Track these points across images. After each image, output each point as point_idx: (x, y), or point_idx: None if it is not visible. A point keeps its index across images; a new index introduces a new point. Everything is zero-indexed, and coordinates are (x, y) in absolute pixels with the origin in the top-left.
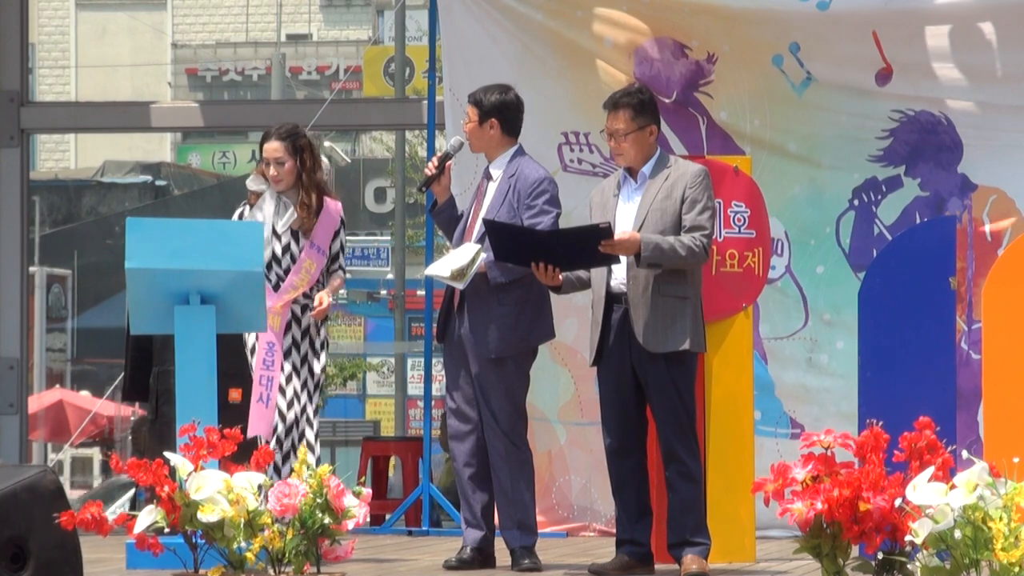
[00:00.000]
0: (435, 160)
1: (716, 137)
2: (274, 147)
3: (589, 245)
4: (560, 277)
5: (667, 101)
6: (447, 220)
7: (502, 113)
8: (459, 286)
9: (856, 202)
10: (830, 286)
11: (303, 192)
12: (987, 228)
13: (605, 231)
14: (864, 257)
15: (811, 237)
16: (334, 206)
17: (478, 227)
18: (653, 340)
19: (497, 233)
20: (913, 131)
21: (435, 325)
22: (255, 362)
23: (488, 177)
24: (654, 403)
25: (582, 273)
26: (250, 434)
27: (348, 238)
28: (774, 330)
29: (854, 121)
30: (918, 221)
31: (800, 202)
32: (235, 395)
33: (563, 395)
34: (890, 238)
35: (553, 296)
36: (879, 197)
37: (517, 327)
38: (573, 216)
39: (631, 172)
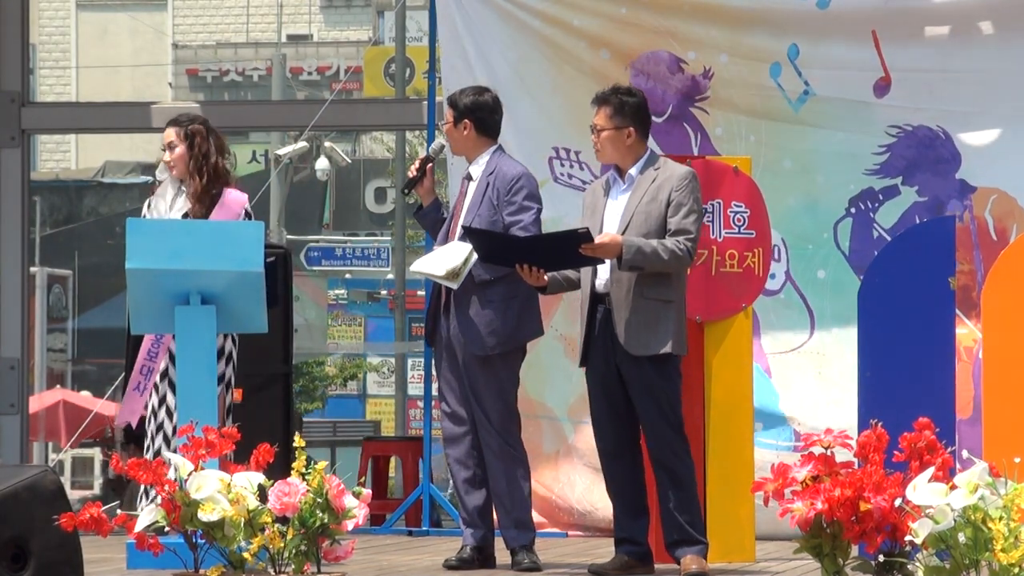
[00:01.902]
0: (416, 162)
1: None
2: (167, 132)
3: (570, 248)
4: (545, 278)
5: (659, 121)
6: (432, 222)
7: (474, 114)
8: (453, 286)
9: (853, 210)
10: (834, 293)
11: (190, 178)
12: (991, 226)
13: (584, 236)
14: (865, 259)
15: (809, 243)
16: (235, 197)
17: (459, 228)
18: (635, 343)
19: (477, 239)
20: (911, 146)
21: (422, 326)
22: (140, 352)
23: (468, 178)
24: (639, 407)
25: (571, 273)
26: (118, 422)
27: (349, 238)
28: (777, 344)
29: (851, 138)
30: (917, 222)
31: (796, 212)
32: (236, 395)
33: (573, 392)
34: (888, 239)
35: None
36: (876, 204)
37: (505, 324)
38: (561, 224)
39: (620, 173)
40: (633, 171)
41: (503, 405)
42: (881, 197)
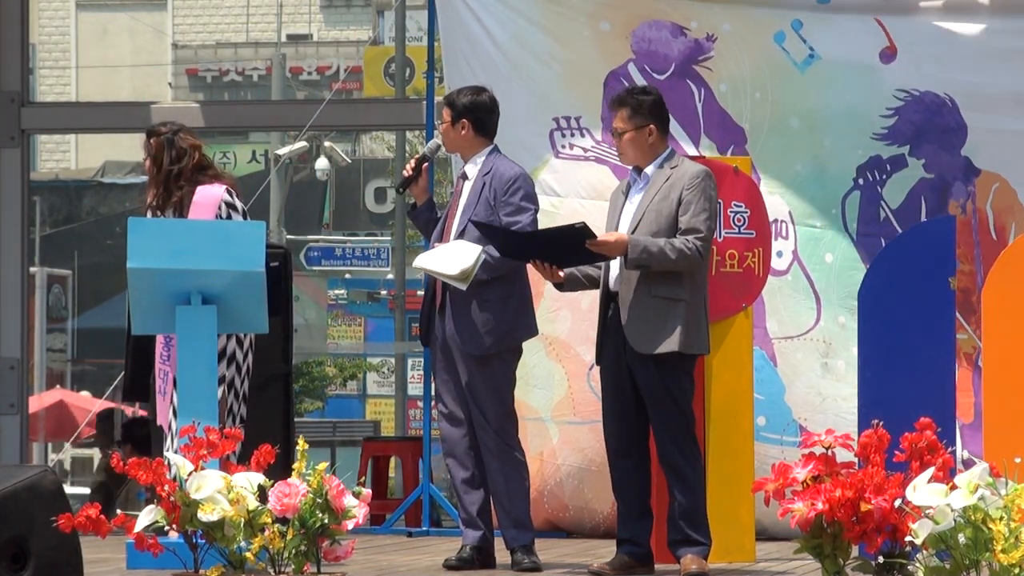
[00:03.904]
0: (412, 162)
1: (713, 114)
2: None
3: (575, 244)
4: (561, 274)
5: (661, 78)
6: (425, 222)
7: (473, 113)
8: (462, 287)
9: (861, 181)
10: (841, 279)
11: (151, 189)
12: (991, 221)
13: (582, 231)
14: (873, 246)
15: (816, 219)
16: (208, 193)
17: (456, 227)
18: (642, 341)
19: (488, 233)
20: (918, 111)
21: (415, 326)
22: (156, 355)
23: (464, 177)
24: (648, 406)
25: (591, 271)
26: (160, 423)
27: (349, 238)
28: (783, 328)
29: (858, 98)
30: (923, 205)
31: (803, 179)
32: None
33: (556, 393)
34: (896, 225)
35: (549, 289)
36: (884, 177)
37: (502, 324)
38: (566, 204)
39: (640, 172)
40: (649, 169)
41: (500, 405)
42: (889, 168)
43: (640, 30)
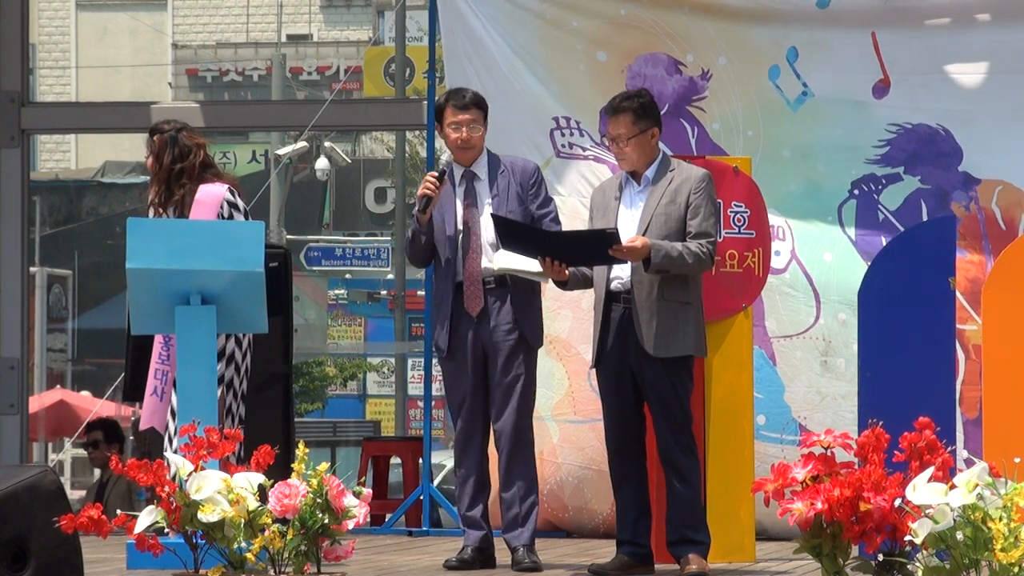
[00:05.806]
0: (430, 180)
1: (706, 148)
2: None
3: (597, 247)
4: (567, 272)
5: None
6: (431, 231)
7: (487, 112)
8: (544, 280)
9: (856, 192)
10: (840, 276)
11: (154, 187)
12: (999, 216)
13: (612, 236)
14: (872, 244)
15: (813, 224)
16: (210, 192)
17: (489, 226)
18: (658, 345)
19: (505, 227)
20: (911, 141)
21: (440, 336)
22: (152, 355)
23: (474, 177)
24: (652, 405)
25: (586, 270)
26: (143, 426)
27: (349, 238)
28: (782, 327)
29: (850, 134)
30: (923, 209)
31: (798, 196)
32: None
33: (557, 391)
34: (897, 223)
35: (549, 289)
36: (880, 187)
37: (541, 317)
38: (567, 204)
39: (634, 175)
40: (648, 173)
41: (525, 400)
42: (884, 181)
43: (636, 65)
